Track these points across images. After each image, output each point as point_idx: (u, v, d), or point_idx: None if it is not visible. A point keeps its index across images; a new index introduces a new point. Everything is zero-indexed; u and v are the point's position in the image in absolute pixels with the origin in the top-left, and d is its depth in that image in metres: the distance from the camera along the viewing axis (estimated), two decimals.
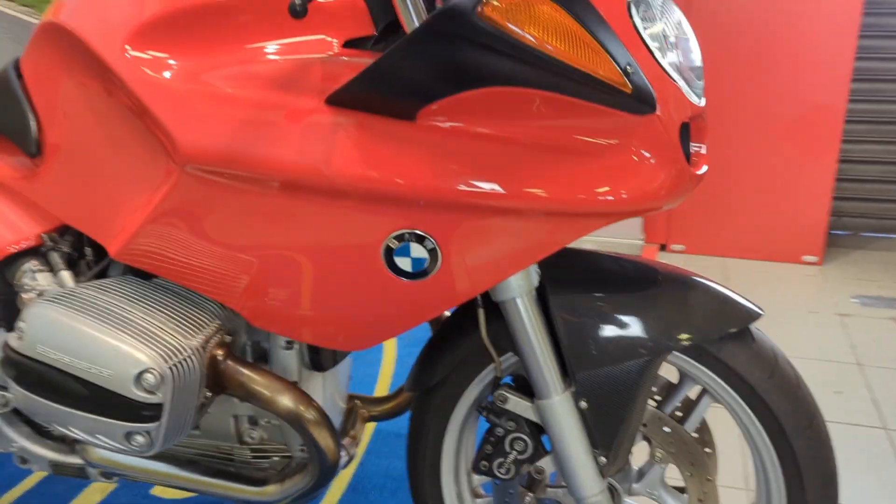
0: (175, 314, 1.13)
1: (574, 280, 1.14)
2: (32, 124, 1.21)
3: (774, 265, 3.13)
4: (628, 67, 0.92)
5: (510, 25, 0.89)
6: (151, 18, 1.04)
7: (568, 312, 1.11)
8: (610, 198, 0.97)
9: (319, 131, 0.97)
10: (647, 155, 0.97)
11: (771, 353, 1.14)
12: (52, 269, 1.23)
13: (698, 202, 3.12)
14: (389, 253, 1.02)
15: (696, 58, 1.06)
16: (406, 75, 0.93)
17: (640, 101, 0.93)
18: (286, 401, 1.14)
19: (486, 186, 0.96)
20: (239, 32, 1.05)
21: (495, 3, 0.89)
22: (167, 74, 1.02)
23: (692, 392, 1.20)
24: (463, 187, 0.96)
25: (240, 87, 1.00)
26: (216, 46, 1.04)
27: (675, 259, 3.18)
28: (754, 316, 1.12)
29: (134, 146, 1.08)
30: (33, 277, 1.21)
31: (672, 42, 1.00)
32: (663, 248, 3.28)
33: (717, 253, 3.22)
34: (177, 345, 1.09)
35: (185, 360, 1.09)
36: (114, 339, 1.06)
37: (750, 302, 1.15)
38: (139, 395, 1.05)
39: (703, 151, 1.10)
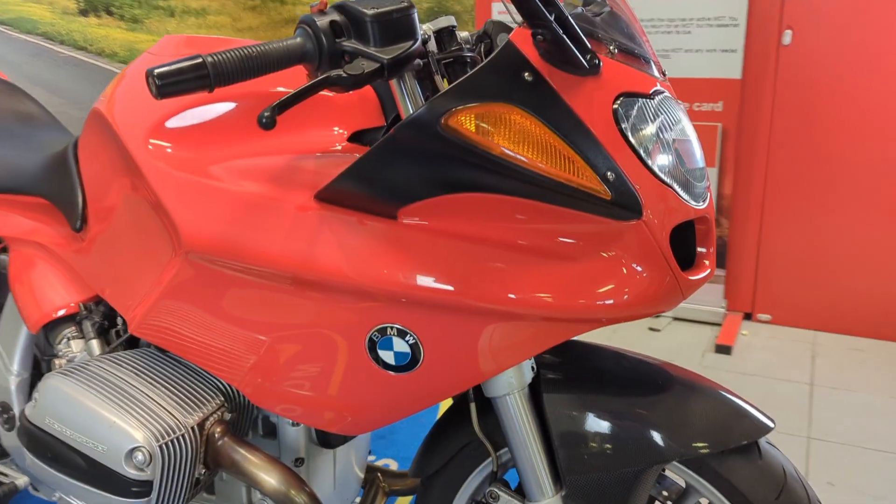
0: (179, 390, 1.18)
1: (571, 378, 1.11)
2: (80, 200, 1.32)
3: (872, 343, 2.89)
4: (609, 174, 0.91)
5: (477, 136, 0.89)
6: (171, 113, 1.11)
7: (561, 413, 1.07)
8: (593, 304, 0.95)
9: (306, 226, 1.00)
10: (633, 261, 0.95)
11: (780, 471, 1.06)
12: (84, 337, 1.32)
13: (789, 269, 2.95)
14: (374, 345, 1.03)
15: (697, 159, 1.02)
16: (383, 177, 0.95)
17: (622, 208, 0.92)
18: (275, 482, 1.16)
19: (463, 287, 0.95)
20: (249, 126, 1.11)
21: (461, 114, 0.89)
22: (178, 166, 1.08)
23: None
24: (439, 286, 0.96)
25: (238, 180, 1.05)
26: (226, 140, 1.10)
27: (760, 330, 3.01)
28: (763, 430, 1.05)
29: (152, 230, 1.16)
30: (67, 344, 1.31)
31: (668, 143, 0.98)
32: (748, 317, 3.11)
33: (808, 325, 3.02)
34: (172, 423, 1.13)
35: (178, 438, 1.12)
36: (112, 414, 1.11)
37: (761, 413, 1.08)
38: (129, 471, 1.10)
39: (709, 254, 1.05)
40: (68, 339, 1.32)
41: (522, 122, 0.90)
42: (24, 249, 1.41)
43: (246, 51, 0.87)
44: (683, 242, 1.02)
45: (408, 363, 1.03)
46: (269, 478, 1.17)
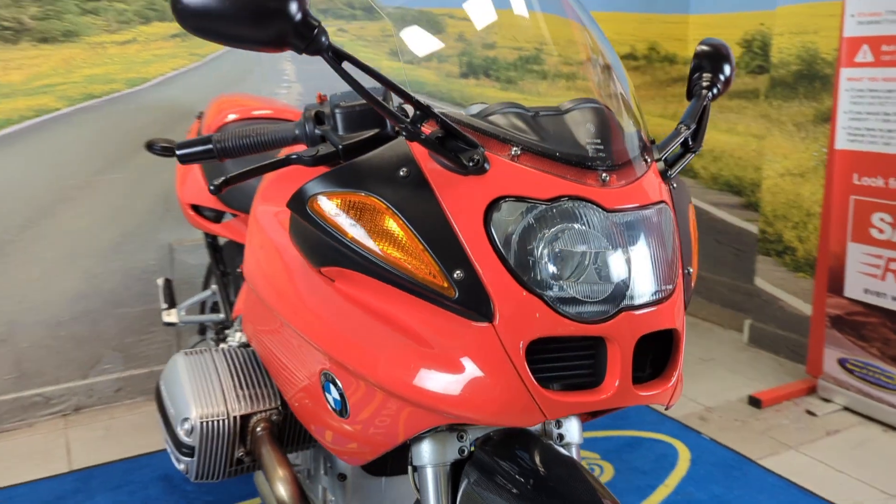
0: (246, 387, 1.41)
1: (497, 465, 1.06)
2: None
3: None
4: (458, 273, 0.91)
5: (332, 219, 0.97)
6: None
7: (472, 497, 1.05)
8: (444, 398, 0.94)
9: (281, 271, 1.22)
10: (482, 365, 0.93)
11: None
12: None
13: None
14: (324, 384, 1.15)
15: (612, 275, 0.95)
16: (302, 236, 1.08)
17: (469, 309, 0.92)
18: (279, 487, 1.28)
19: (353, 355, 1.03)
20: None
21: (329, 197, 0.97)
22: None
23: None
24: (341, 348, 1.06)
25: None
26: None
27: None
28: None
29: None
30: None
31: (550, 253, 0.93)
32: None
33: None
34: (220, 409, 1.36)
35: (219, 421, 1.36)
36: (187, 391, 1.39)
37: None
38: (180, 434, 1.37)
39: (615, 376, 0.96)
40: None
41: (380, 214, 0.94)
42: None
43: (250, 137, 1.10)
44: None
45: (340, 409, 1.12)
46: (277, 482, 1.29)
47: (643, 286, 0.98)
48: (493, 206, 0.94)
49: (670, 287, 1.02)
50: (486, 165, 0.94)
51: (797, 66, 3.19)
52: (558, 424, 1.17)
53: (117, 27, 2.77)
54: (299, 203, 1.01)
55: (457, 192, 0.94)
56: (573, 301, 0.94)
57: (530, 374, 0.93)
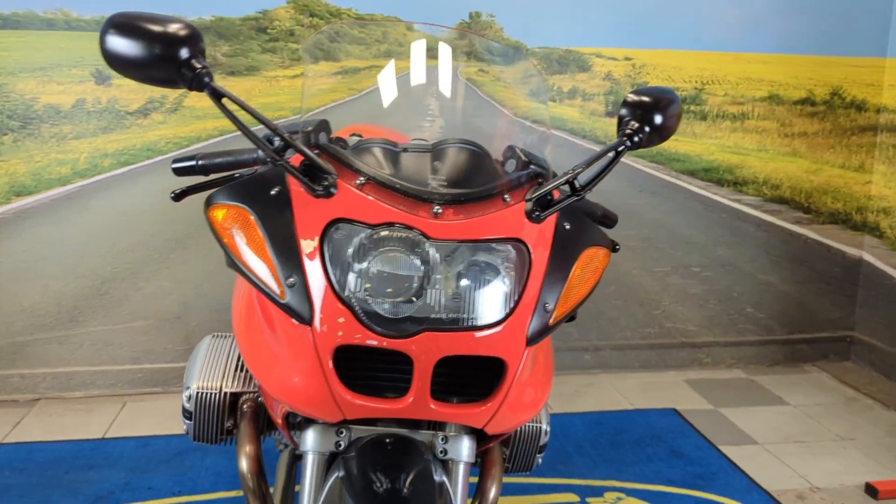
0: (246, 370, 1.62)
1: (360, 463, 1.17)
2: None
3: None
4: (291, 279, 1.08)
5: (216, 224, 1.16)
6: None
7: (334, 487, 1.17)
8: (272, 385, 1.15)
9: None
10: (300, 361, 1.09)
11: None
12: None
13: None
14: None
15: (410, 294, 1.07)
16: None
17: (293, 311, 1.08)
18: (242, 459, 1.48)
19: (242, 340, 1.27)
20: None
21: (215, 207, 1.17)
22: None
23: None
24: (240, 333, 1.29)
25: None
26: None
27: None
28: None
29: None
30: None
31: (364, 271, 1.06)
32: None
33: None
34: (215, 384, 1.60)
35: (210, 394, 1.60)
36: (197, 366, 1.64)
37: None
38: (184, 401, 1.62)
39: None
40: None
41: (247, 224, 1.13)
42: None
43: (223, 157, 1.31)
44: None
45: None
46: (242, 455, 1.49)
47: (450, 311, 1.06)
48: (331, 226, 1.09)
49: (495, 316, 1.08)
50: (332, 190, 1.10)
51: None
52: (444, 440, 1.26)
53: (289, 63, 3.24)
54: (205, 210, 1.23)
55: (308, 211, 1.11)
56: (378, 316, 1.06)
57: (336, 375, 1.07)
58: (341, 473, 1.18)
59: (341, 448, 1.24)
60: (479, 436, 1.34)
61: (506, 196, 1.15)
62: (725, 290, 3.62)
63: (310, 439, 1.23)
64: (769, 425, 3.05)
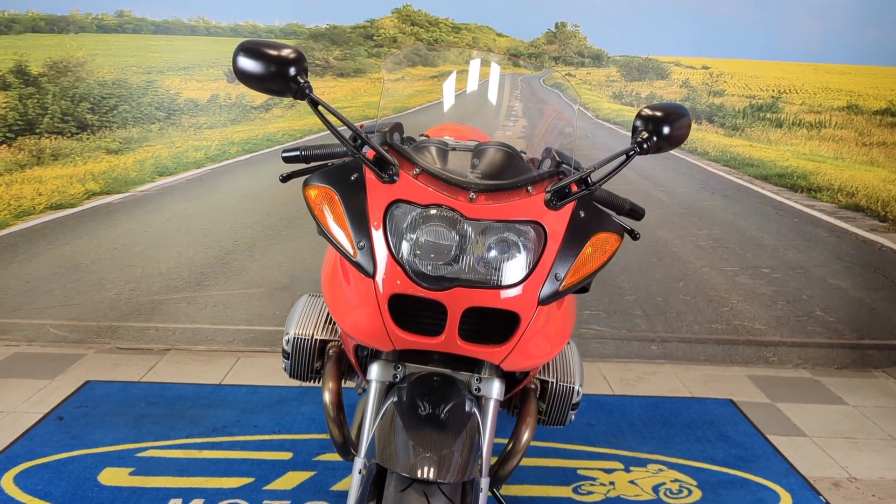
0: (334, 323, 2.01)
1: (408, 393, 1.53)
2: None
3: None
4: (361, 243, 1.43)
5: (311, 201, 1.52)
6: None
7: (389, 409, 1.51)
8: (342, 320, 1.51)
9: None
10: (366, 305, 1.44)
11: None
12: None
13: None
14: None
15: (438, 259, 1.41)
16: None
17: (361, 267, 1.43)
18: (325, 393, 1.85)
19: (327, 291, 1.65)
20: None
21: (312, 188, 1.52)
22: None
23: None
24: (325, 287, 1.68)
25: None
26: None
27: None
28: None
29: None
30: None
31: (412, 239, 1.40)
32: None
33: None
34: (308, 332, 2.00)
35: (303, 340, 2.00)
36: (295, 317, 2.04)
37: None
38: (284, 344, 2.03)
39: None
40: None
41: (332, 201, 1.49)
42: None
43: (320, 149, 1.68)
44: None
45: None
46: (326, 390, 1.87)
47: (479, 273, 1.40)
48: (393, 204, 1.45)
49: (513, 279, 1.41)
50: (395, 178, 1.45)
51: None
52: (479, 380, 1.59)
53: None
54: (302, 190, 1.60)
55: (377, 193, 1.47)
56: (423, 274, 1.41)
57: (390, 316, 1.43)
58: (395, 399, 1.54)
59: (397, 380, 1.60)
60: (510, 381, 1.68)
61: (529, 188, 1.47)
62: (795, 292, 3.75)
63: (374, 371, 1.59)
64: (822, 421, 3.19)
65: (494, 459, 1.74)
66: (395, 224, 1.44)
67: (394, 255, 1.42)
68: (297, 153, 1.77)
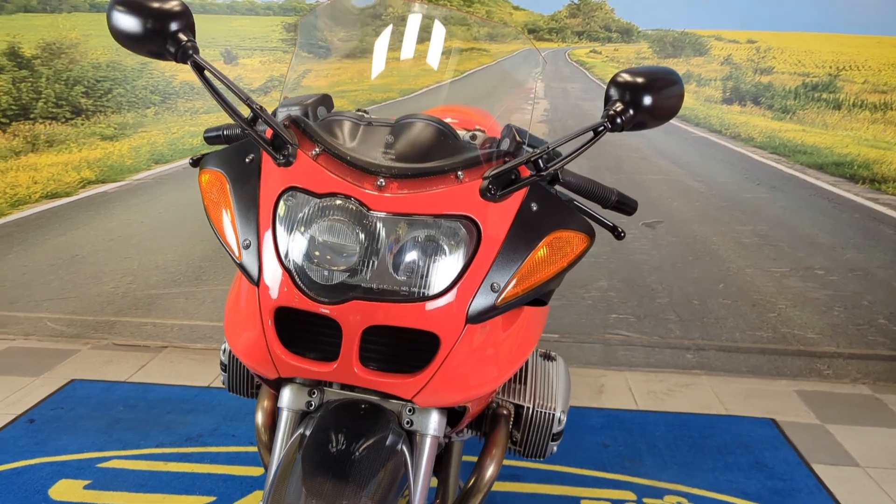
0: None
1: (323, 423, 1.22)
2: None
3: None
4: (246, 241, 1.16)
5: (203, 186, 1.26)
6: None
7: (299, 440, 1.22)
8: (230, 334, 1.24)
9: None
10: (248, 317, 1.17)
11: None
12: None
13: None
14: None
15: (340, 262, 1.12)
16: None
17: (245, 271, 1.17)
18: (258, 412, 1.58)
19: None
20: None
21: (203, 171, 1.27)
22: None
23: None
24: None
25: None
26: None
27: None
28: None
29: None
30: None
31: (304, 237, 1.11)
32: None
33: None
34: None
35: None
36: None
37: None
38: (221, 354, 1.76)
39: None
40: None
41: (222, 188, 1.22)
42: None
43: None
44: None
45: None
46: (259, 409, 1.60)
47: (383, 282, 1.09)
48: (285, 193, 1.15)
49: (427, 291, 1.10)
50: (291, 160, 1.16)
51: None
52: (412, 411, 1.28)
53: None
54: (198, 174, 1.33)
55: (271, 178, 1.19)
56: (311, 282, 1.11)
57: (275, 334, 1.14)
58: (303, 432, 1.25)
59: (311, 408, 1.31)
60: (455, 413, 1.36)
61: (459, 173, 1.16)
62: (854, 297, 3.30)
63: (284, 397, 1.31)
64: (880, 448, 2.76)
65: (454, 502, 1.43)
66: (289, 218, 1.15)
67: (280, 258, 1.13)
68: (220, 133, 1.50)
